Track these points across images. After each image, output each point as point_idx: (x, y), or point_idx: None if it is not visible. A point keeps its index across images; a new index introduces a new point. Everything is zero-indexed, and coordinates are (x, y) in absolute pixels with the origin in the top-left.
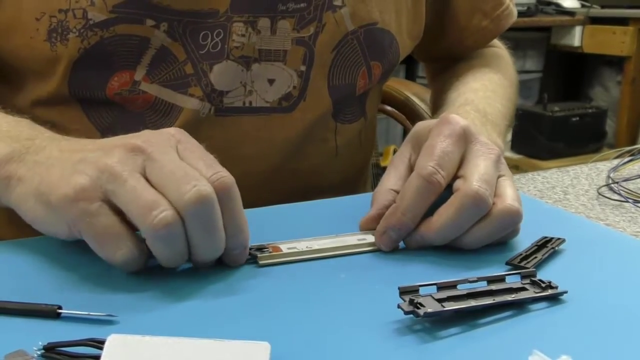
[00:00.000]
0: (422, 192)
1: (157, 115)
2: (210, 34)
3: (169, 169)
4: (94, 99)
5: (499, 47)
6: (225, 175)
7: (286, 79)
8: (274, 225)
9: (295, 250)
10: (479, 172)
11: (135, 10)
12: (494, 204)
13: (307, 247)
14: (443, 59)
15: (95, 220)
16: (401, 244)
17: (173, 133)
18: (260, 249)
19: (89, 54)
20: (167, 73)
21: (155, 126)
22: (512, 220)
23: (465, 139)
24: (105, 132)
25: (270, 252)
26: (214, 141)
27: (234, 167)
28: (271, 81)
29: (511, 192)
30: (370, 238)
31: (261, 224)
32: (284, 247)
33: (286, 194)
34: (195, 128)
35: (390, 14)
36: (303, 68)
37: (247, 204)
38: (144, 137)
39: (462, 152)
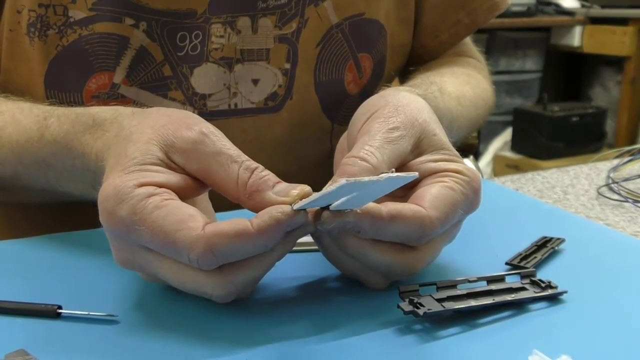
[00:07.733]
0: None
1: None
2: (189, 35)
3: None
4: (69, 102)
5: (478, 60)
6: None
7: (271, 78)
8: None
9: None
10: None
11: (114, 8)
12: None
13: None
14: (415, 63)
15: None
16: None
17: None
18: None
19: (67, 52)
20: (145, 74)
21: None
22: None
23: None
24: None
25: None
26: None
27: None
28: (255, 81)
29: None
30: None
31: None
32: None
33: None
34: None
35: (377, 1)
36: (287, 66)
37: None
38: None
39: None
